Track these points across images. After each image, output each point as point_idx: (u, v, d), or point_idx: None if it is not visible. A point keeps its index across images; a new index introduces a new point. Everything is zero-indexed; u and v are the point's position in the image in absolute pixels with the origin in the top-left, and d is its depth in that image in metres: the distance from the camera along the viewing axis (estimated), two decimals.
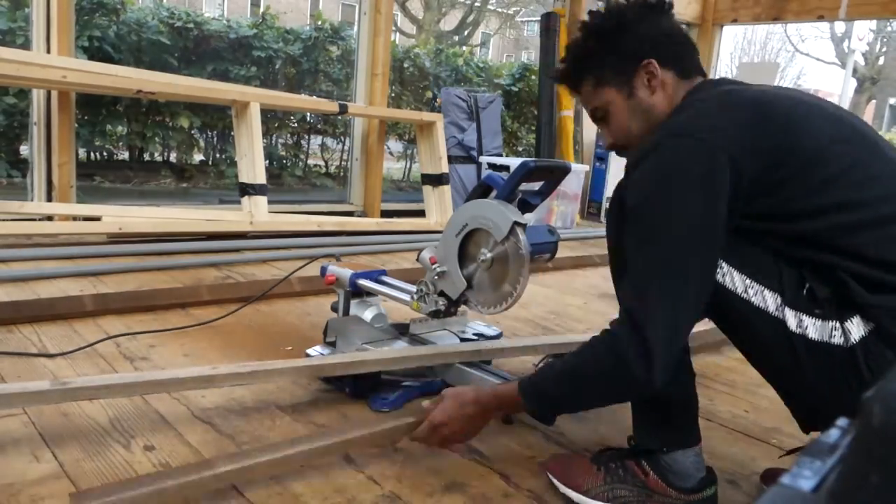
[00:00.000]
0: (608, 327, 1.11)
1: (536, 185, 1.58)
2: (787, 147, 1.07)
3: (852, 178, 1.06)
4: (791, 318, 1.04)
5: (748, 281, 1.08)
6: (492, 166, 4.45)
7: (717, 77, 1.23)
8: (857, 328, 1.02)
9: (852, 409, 0.97)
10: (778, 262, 1.08)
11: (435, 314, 1.60)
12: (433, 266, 1.55)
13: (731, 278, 1.09)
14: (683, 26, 6.30)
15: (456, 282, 1.53)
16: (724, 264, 1.09)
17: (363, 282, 1.74)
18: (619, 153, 1.31)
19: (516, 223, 1.41)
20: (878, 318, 1.01)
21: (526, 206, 1.52)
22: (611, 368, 1.08)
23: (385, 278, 1.80)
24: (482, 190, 1.51)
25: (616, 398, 1.24)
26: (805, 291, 1.05)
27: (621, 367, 1.05)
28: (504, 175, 1.50)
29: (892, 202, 1.06)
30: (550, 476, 1.30)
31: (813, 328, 1.04)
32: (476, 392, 1.28)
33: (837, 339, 1.02)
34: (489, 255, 1.47)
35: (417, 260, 1.61)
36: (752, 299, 1.07)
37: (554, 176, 1.57)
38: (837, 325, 1.03)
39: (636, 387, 1.08)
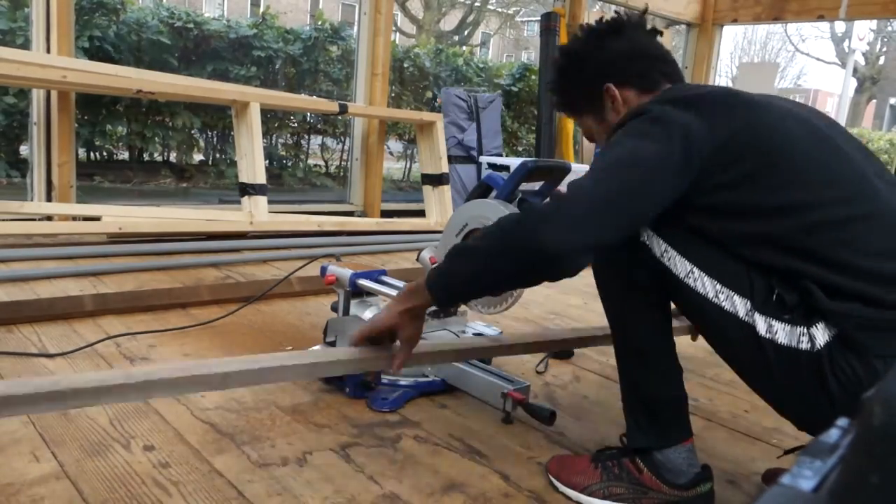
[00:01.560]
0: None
1: (536, 185, 1.58)
2: (748, 139, 1.09)
3: (812, 179, 1.08)
4: (761, 323, 1.07)
5: (718, 286, 1.10)
6: (492, 166, 4.45)
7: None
8: (821, 334, 1.03)
9: (819, 414, 0.98)
10: (748, 268, 1.10)
11: (435, 314, 1.60)
12: (433, 266, 1.55)
13: (703, 283, 1.11)
14: (682, 26, 6.32)
15: None
16: (695, 269, 1.12)
17: (363, 282, 1.74)
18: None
19: None
20: (839, 323, 1.02)
21: (524, 206, 1.52)
22: (516, 232, 1.06)
23: (385, 278, 1.80)
24: (482, 190, 1.52)
25: (509, 261, 1.07)
26: (774, 297, 1.07)
27: (527, 229, 1.03)
28: (504, 175, 1.50)
29: (849, 205, 1.07)
30: (550, 476, 1.31)
31: (783, 333, 1.06)
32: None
33: (805, 344, 1.04)
34: None
35: (417, 260, 1.61)
36: (723, 304, 1.10)
37: (553, 176, 1.57)
38: (805, 330, 1.04)
39: (536, 248, 1.02)
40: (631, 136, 1.12)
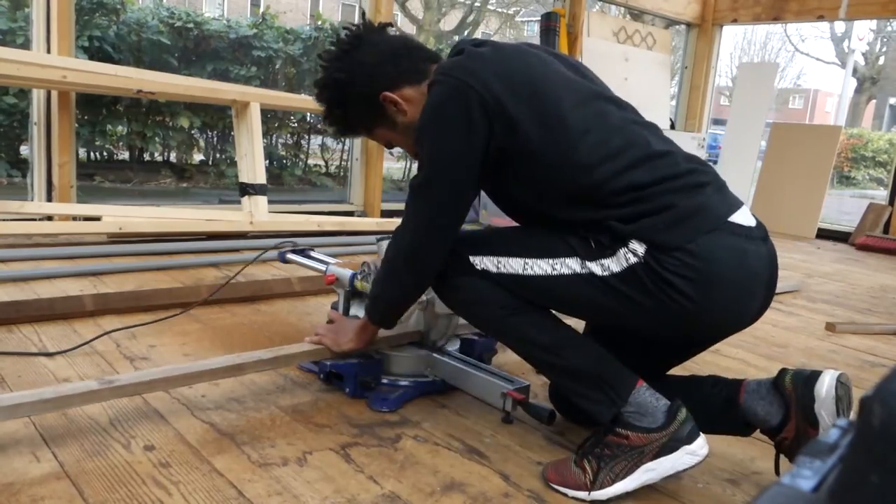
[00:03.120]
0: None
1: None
2: (518, 88, 1.26)
3: (572, 130, 1.25)
4: (595, 267, 1.24)
5: (551, 261, 1.27)
6: None
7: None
8: (638, 247, 1.20)
9: (686, 317, 1.21)
10: (561, 235, 1.28)
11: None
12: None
13: (539, 266, 1.28)
14: (682, 26, 6.32)
15: None
16: (528, 260, 1.29)
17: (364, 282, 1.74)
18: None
19: None
20: (642, 236, 1.20)
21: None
22: (393, 260, 1.39)
23: None
24: None
25: (402, 287, 1.42)
26: (593, 245, 1.24)
27: (398, 256, 1.37)
28: None
29: (614, 137, 1.26)
30: (555, 486, 1.29)
31: (613, 264, 1.22)
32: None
33: (632, 259, 1.20)
34: None
35: (375, 243, 1.71)
36: (562, 271, 1.26)
37: None
38: (624, 250, 1.21)
39: (408, 271, 1.37)
40: (439, 127, 1.28)
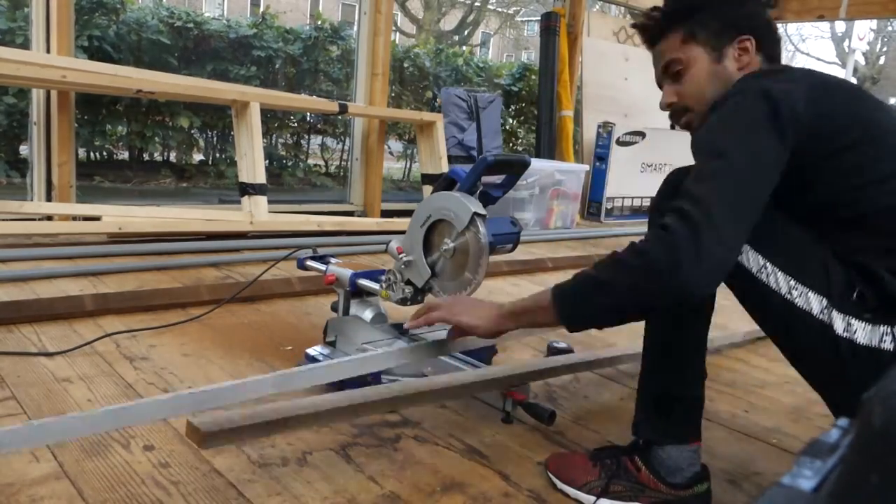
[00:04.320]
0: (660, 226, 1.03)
1: (499, 179, 1.63)
2: (846, 113, 1.08)
3: None
4: (838, 321, 1.02)
5: (792, 282, 1.05)
6: None
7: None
8: None
9: (843, 400, 1.01)
10: (827, 263, 1.05)
11: (402, 301, 1.64)
12: (400, 256, 1.62)
13: (776, 279, 1.06)
14: None
15: (421, 270, 1.58)
16: (768, 264, 1.07)
17: (363, 282, 1.74)
18: (673, 117, 1.30)
19: (476, 214, 1.47)
20: None
21: (487, 199, 1.58)
22: (657, 263, 1.00)
23: None
24: (447, 183, 1.59)
25: (652, 298, 1.05)
26: (855, 295, 1.02)
27: (670, 261, 0.98)
28: (467, 168, 1.55)
29: None
30: (549, 472, 1.32)
31: (862, 332, 1.01)
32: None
33: (887, 344, 0.99)
34: (452, 244, 1.53)
35: (386, 250, 1.66)
36: (797, 300, 1.04)
37: (514, 170, 1.62)
38: (888, 329, 0.99)
39: (679, 286, 0.99)
40: (738, 127, 1.06)
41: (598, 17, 5.70)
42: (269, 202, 3.43)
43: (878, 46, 23.09)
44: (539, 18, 5.57)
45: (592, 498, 1.24)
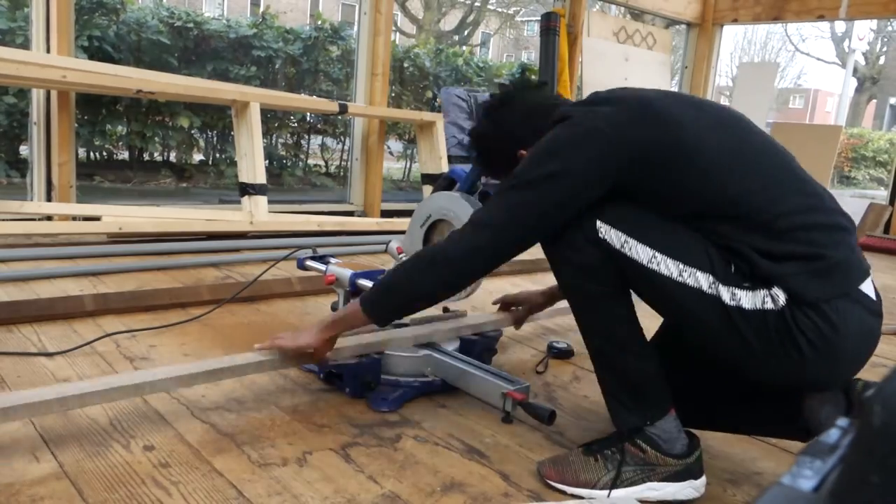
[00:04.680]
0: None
1: (498, 179, 1.63)
2: (666, 141, 1.21)
3: (724, 163, 1.20)
4: (725, 293, 1.15)
5: (681, 265, 1.18)
6: None
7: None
8: (780, 295, 1.13)
9: (788, 368, 1.12)
10: (706, 248, 1.18)
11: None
12: (400, 255, 1.63)
13: (666, 265, 1.19)
14: (682, 26, 6.32)
15: None
16: (657, 254, 1.19)
17: (363, 282, 1.74)
18: None
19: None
20: (787, 283, 1.12)
21: (487, 199, 1.58)
22: (446, 250, 1.28)
23: None
24: (447, 183, 1.60)
25: (433, 291, 1.33)
26: (733, 268, 1.16)
27: (453, 255, 1.27)
28: (467, 168, 1.55)
29: (758, 178, 1.19)
30: (551, 482, 1.30)
31: (746, 299, 1.14)
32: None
33: (769, 304, 1.13)
34: None
35: (386, 250, 1.67)
36: (687, 281, 1.17)
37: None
38: (766, 292, 1.13)
39: (450, 278, 1.29)
40: (554, 152, 1.24)
41: (598, 17, 5.69)
42: (269, 202, 3.43)
43: (878, 46, 23.10)
44: (539, 18, 5.57)
45: (604, 493, 1.25)
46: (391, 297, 1.35)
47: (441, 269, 1.28)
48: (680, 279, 1.17)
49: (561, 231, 1.26)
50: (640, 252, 1.20)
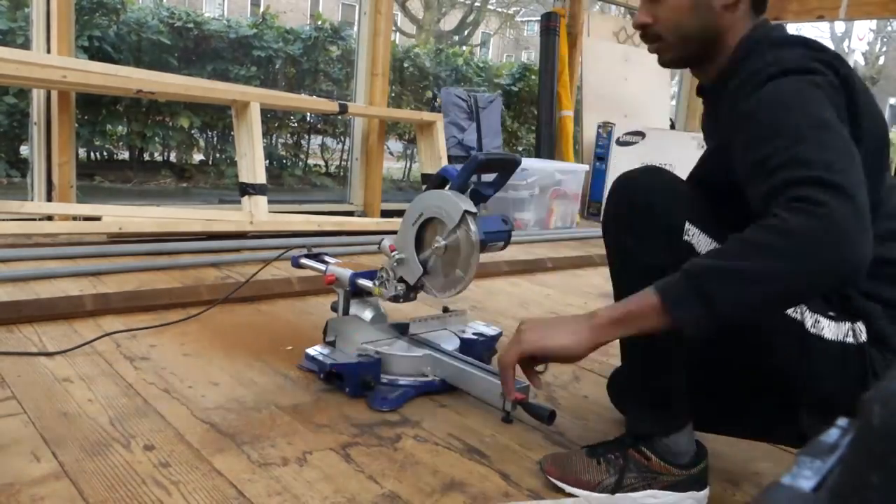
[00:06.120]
0: (789, 199, 0.91)
1: (491, 177, 1.64)
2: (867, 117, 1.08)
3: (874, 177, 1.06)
4: (808, 319, 1.10)
5: None
6: None
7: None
8: (862, 332, 1.10)
9: (838, 399, 1.03)
10: None
11: (394, 299, 1.65)
12: (392, 253, 1.63)
13: None
14: None
15: (413, 268, 1.60)
16: None
17: (363, 282, 1.74)
18: (643, 39, 1.27)
19: (467, 212, 1.49)
20: (872, 321, 1.10)
21: (479, 197, 1.59)
22: (817, 243, 0.88)
23: None
24: (439, 181, 1.60)
25: (813, 286, 0.94)
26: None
27: (837, 232, 0.87)
28: (458, 167, 1.56)
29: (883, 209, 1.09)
30: (553, 479, 1.30)
31: (828, 329, 1.10)
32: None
33: (850, 338, 1.10)
34: (443, 242, 1.55)
35: (378, 249, 1.67)
36: None
37: (505, 168, 1.63)
38: (849, 325, 1.10)
39: (851, 261, 0.88)
40: (799, 97, 1.01)
41: (598, 17, 5.70)
42: (270, 202, 3.43)
43: (878, 46, 23.11)
44: (539, 18, 5.57)
45: (604, 498, 1.24)
46: (753, 288, 0.93)
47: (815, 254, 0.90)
48: None
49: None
50: None
